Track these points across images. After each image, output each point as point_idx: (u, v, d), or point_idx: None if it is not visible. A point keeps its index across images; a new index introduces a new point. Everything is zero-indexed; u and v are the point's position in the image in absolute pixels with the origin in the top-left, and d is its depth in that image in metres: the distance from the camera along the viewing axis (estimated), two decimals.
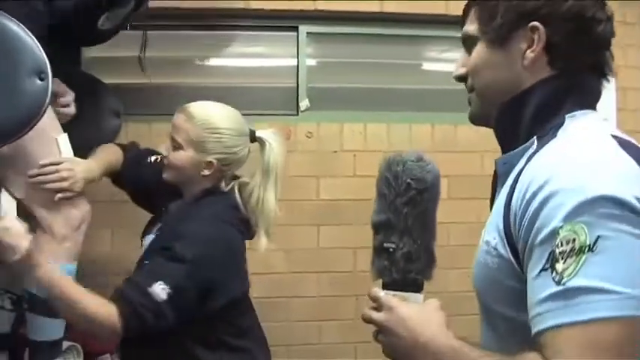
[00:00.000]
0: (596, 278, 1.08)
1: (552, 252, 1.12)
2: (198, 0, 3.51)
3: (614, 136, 1.25)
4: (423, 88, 3.94)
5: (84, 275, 3.08)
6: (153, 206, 2.66)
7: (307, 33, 3.75)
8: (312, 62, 3.80)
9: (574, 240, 1.10)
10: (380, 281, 1.38)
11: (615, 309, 1.07)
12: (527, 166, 1.27)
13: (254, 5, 3.58)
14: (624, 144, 1.23)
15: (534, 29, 1.33)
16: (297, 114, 3.64)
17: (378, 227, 1.36)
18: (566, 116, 1.33)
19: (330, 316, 3.65)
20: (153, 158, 2.62)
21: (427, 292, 1.36)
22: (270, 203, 2.35)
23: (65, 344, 2.73)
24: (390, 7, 3.70)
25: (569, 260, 1.10)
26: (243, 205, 2.35)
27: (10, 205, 2.38)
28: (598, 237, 1.09)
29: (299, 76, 3.74)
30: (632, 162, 1.19)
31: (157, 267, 2.11)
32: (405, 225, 1.33)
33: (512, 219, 1.23)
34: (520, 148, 1.35)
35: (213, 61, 3.83)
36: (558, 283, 1.10)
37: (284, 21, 3.72)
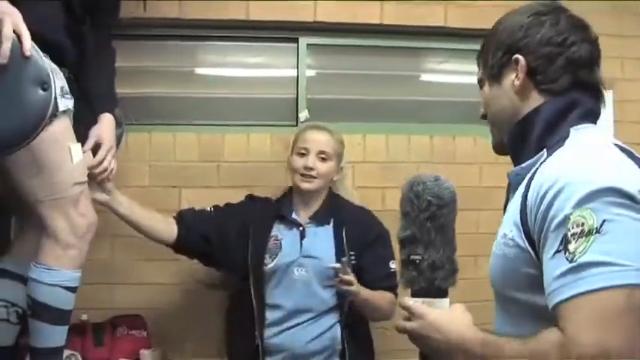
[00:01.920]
0: (604, 254, 1.26)
1: (565, 235, 1.31)
2: (199, 10, 3.53)
3: (616, 144, 1.47)
4: (422, 100, 3.94)
5: (84, 284, 3.13)
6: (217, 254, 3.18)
7: (307, 44, 3.76)
8: (311, 73, 3.80)
9: (583, 224, 1.29)
10: (409, 291, 1.58)
11: (621, 278, 1.24)
12: (540, 168, 1.49)
13: (254, 17, 3.59)
14: (625, 150, 1.45)
15: (517, 61, 1.61)
16: (297, 125, 3.64)
17: (404, 242, 1.57)
18: (571, 129, 1.54)
19: None
20: (208, 209, 3.21)
21: None
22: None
23: (64, 353, 2.72)
24: (390, 19, 3.71)
25: (579, 240, 1.28)
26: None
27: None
28: (604, 220, 1.28)
29: (299, 87, 3.75)
30: (634, 164, 1.40)
31: None
32: (428, 238, 1.53)
33: (529, 213, 1.42)
34: (530, 161, 1.56)
35: (214, 72, 3.84)
36: (571, 260, 1.28)
37: (284, 32, 3.73)
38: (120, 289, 3.49)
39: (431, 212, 1.54)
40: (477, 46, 3.72)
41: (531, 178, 1.49)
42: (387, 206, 3.51)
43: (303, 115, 3.70)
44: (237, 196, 3.45)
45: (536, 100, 1.61)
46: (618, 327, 1.24)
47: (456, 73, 4.05)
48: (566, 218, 1.32)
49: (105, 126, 2.77)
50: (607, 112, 3.98)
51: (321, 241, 3.14)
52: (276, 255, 3.09)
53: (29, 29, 2.16)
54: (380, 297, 3.03)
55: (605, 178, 1.32)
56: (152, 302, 3.51)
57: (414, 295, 1.56)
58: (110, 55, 2.96)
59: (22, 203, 2.50)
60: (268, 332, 3.07)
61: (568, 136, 1.53)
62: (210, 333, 3.51)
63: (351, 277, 2.88)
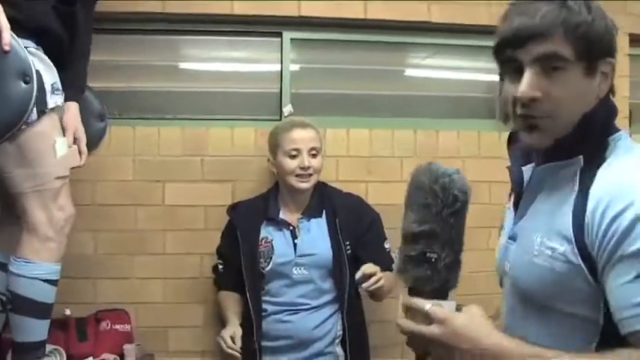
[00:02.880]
0: None
1: None
2: (183, 5, 3.52)
3: None
4: (406, 94, 3.95)
5: (67, 278, 3.12)
6: None
7: (291, 39, 3.75)
8: (295, 68, 3.80)
9: None
10: (406, 289, 1.45)
11: None
12: (597, 180, 1.39)
13: (238, 11, 3.58)
14: None
15: (610, 65, 1.48)
16: (281, 119, 3.64)
17: (418, 236, 1.41)
18: (609, 139, 1.47)
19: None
20: (220, 267, 3.39)
21: None
22: None
23: (47, 347, 2.74)
24: (374, 14, 3.71)
25: None
26: None
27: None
28: None
29: (282, 81, 3.74)
30: None
31: None
32: (449, 235, 1.40)
33: (590, 233, 1.36)
34: (563, 162, 1.50)
35: (198, 66, 3.84)
36: None
37: (268, 27, 3.73)
38: (103, 283, 3.49)
39: (456, 208, 1.41)
40: (462, 41, 3.76)
41: (586, 189, 1.41)
42: (370, 200, 3.51)
43: (287, 109, 3.69)
44: (220, 191, 3.48)
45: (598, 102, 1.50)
46: None
47: (439, 68, 4.06)
48: None
49: (72, 114, 2.72)
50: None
51: (315, 235, 3.19)
52: (270, 258, 3.14)
53: (16, 16, 2.16)
54: (386, 278, 3.03)
55: None
56: (136, 296, 3.50)
57: (421, 295, 1.43)
58: (88, 38, 2.89)
59: (7, 195, 2.53)
60: (268, 321, 3.14)
61: (608, 146, 1.47)
62: (195, 327, 3.53)
63: (374, 274, 2.92)
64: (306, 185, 3.18)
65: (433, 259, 1.40)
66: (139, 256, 3.52)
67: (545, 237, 1.45)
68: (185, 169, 3.57)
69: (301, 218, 3.21)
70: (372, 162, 3.73)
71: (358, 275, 2.93)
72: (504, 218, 1.74)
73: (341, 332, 3.15)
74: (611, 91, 1.51)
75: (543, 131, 1.48)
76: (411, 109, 3.91)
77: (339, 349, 3.15)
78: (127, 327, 3.39)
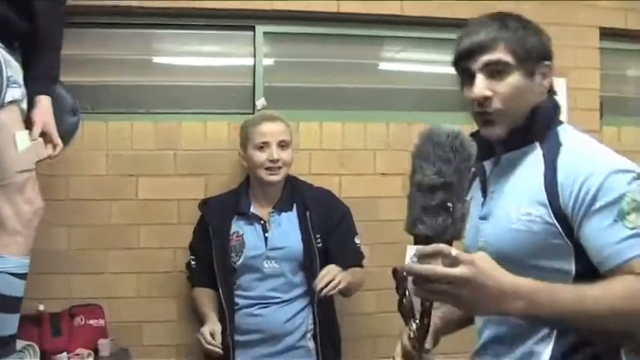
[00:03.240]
0: None
1: (621, 209, 1.60)
2: None
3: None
4: (379, 88, 3.96)
5: (41, 274, 3.11)
6: None
7: (264, 32, 3.74)
8: (268, 61, 3.80)
9: (636, 199, 1.60)
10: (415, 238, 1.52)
11: None
12: (561, 156, 1.73)
13: (211, 5, 3.58)
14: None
15: (548, 66, 1.85)
16: (254, 113, 3.63)
17: (436, 188, 1.49)
18: (557, 128, 1.83)
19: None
20: (193, 263, 3.40)
21: None
22: None
23: (21, 343, 2.74)
24: (347, 8, 3.72)
25: (637, 213, 1.59)
26: None
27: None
28: None
29: (255, 75, 3.74)
30: None
31: None
32: (462, 187, 1.51)
33: (563, 196, 1.67)
34: (521, 150, 1.83)
35: (171, 60, 3.82)
36: (633, 229, 1.58)
37: (241, 20, 3.72)
38: (77, 278, 3.46)
39: (470, 163, 1.54)
40: (434, 35, 3.77)
41: (552, 163, 1.73)
42: (343, 193, 3.54)
43: (260, 102, 3.69)
44: (193, 184, 3.49)
45: (544, 98, 1.85)
46: None
47: (412, 62, 4.09)
48: (622, 196, 1.60)
49: (43, 107, 2.67)
50: (561, 101, 4.07)
51: (286, 229, 3.20)
52: (242, 252, 3.14)
53: None
54: (353, 274, 3.10)
55: (631, 165, 1.67)
56: (110, 291, 3.49)
57: (439, 243, 1.48)
58: (58, 30, 2.79)
59: None
60: (240, 315, 3.15)
61: (557, 133, 1.81)
62: (169, 321, 3.53)
63: (332, 279, 2.96)
64: (275, 178, 3.18)
65: (451, 209, 1.49)
66: (113, 251, 3.50)
67: (521, 206, 1.75)
68: (158, 163, 3.56)
69: (272, 212, 3.22)
70: (345, 155, 3.74)
71: (315, 286, 2.97)
72: None
73: (312, 326, 3.17)
74: (551, 90, 1.88)
75: (497, 124, 1.82)
76: (383, 102, 3.93)
77: (310, 343, 3.17)
78: (101, 322, 3.37)
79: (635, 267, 1.56)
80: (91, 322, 3.35)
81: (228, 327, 3.11)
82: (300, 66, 3.93)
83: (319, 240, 3.16)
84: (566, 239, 1.68)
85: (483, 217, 1.88)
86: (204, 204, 3.36)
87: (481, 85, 1.80)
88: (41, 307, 3.26)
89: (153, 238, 3.52)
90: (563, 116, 3.80)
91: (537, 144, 1.81)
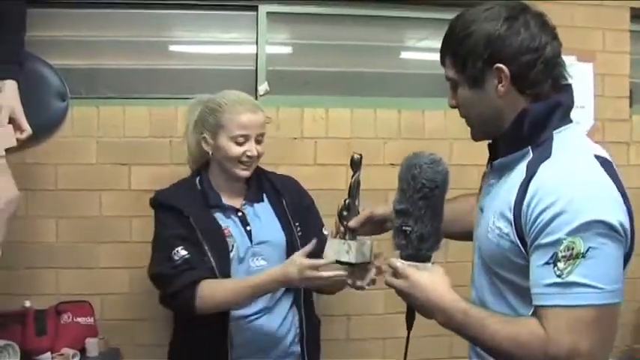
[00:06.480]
0: (585, 277, 1.59)
1: (556, 253, 1.62)
2: None
3: (596, 157, 1.73)
4: (390, 72, 3.85)
5: (27, 268, 3.01)
6: None
7: (267, 12, 3.62)
8: (271, 44, 3.68)
9: (573, 248, 1.60)
10: (398, 253, 1.89)
11: (596, 299, 1.59)
12: (537, 175, 1.72)
13: None
14: (604, 164, 1.72)
15: (500, 70, 1.76)
16: (256, 98, 3.46)
17: (398, 213, 1.86)
18: (554, 132, 1.78)
19: None
20: (177, 258, 2.79)
21: None
22: None
23: (1, 342, 2.75)
24: None
25: (568, 262, 1.61)
26: None
27: None
28: (589, 248, 1.60)
29: (258, 58, 3.62)
30: (613, 186, 1.68)
31: None
32: (419, 214, 1.82)
33: (524, 219, 1.70)
34: (515, 154, 1.81)
35: (166, 42, 3.69)
36: (559, 276, 1.61)
37: (242, 0, 3.60)
38: (66, 273, 3.39)
39: (423, 194, 1.81)
40: (448, 16, 3.59)
41: (527, 180, 1.73)
42: None
43: (263, 87, 3.58)
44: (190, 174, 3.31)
45: (521, 102, 1.80)
46: (588, 336, 1.59)
47: (426, 46, 3.95)
48: (560, 240, 1.61)
49: (9, 92, 2.62)
50: (587, 87, 3.95)
51: (266, 221, 2.94)
52: (234, 249, 2.86)
53: None
54: None
55: (596, 210, 1.61)
56: (100, 287, 3.41)
57: (402, 258, 1.87)
58: (19, 10, 2.74)
59: None
60: (236, 326, 2.83)
61: (552, 138, 1.78)
62: (163, 320, 3.33)
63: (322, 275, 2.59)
64: (247, 174, 2.90)
65: (407, 232, 1.84)
66: (104, 245, 3.42)
67: (495, 218, 1.82)
68: (153, 151, 3.45)
69: (244, 204, 2.95)
70: (353, 144, 3.58)
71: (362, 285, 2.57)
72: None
73: (299, 329, 2.93)
74: (533, 87, 1.78)
75: (472, 127, 1.94)
76: (395, 88, 3.82)
77: (297, 348, 2.95)
78: (90, 319, 3.29)
79: (543, 315, 1.65)
80: (79, 319, 3.25)
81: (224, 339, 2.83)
82: (305, 48, 3.82)
83: (299, 228, 2.92)
84: (526, 259, 1.73)
85: (480, 209, 1.98)
86: (165, 195, 2.96)
87: (450, 96, 1.93)
88: (27, 304, 3.17)
89: (146, 231, 3.29)
90: (589, 104, 3.76)
91: (530, 149, 1.80)
